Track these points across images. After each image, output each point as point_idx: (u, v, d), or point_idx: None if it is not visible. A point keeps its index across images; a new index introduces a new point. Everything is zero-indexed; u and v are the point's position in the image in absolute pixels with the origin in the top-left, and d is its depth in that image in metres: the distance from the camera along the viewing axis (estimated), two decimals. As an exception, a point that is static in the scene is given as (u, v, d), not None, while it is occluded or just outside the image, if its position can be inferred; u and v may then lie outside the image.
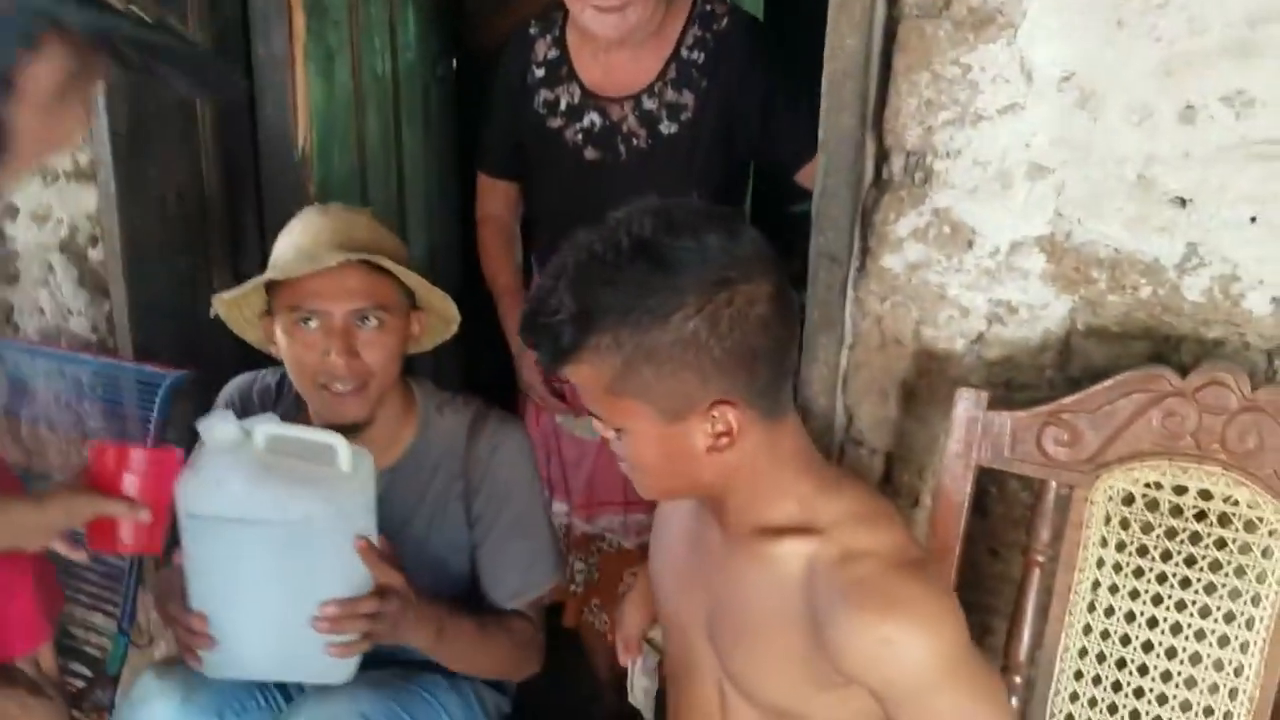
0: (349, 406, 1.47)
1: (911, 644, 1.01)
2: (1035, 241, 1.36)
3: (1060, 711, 1.31)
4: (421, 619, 1.41)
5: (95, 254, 2.11)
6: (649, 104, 1.91)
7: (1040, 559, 1.31)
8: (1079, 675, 1.30)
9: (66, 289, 2.17)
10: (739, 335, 1.02)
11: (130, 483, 1.34)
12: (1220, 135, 1.24)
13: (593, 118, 1.93)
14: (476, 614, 1.53)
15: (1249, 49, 1.20)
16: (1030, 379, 1.41)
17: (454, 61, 2.94)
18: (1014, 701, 1.35)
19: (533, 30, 2.00)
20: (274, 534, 1.31)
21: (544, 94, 1.96)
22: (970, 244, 1.39)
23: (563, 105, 1.95)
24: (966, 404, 1.30)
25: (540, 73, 1.96)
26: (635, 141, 1.92)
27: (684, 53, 1.88)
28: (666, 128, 1.91)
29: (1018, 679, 1.34)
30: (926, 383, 1.47)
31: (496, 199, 2.14)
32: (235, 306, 1.53)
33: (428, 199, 2.72)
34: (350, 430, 1.45)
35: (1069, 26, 1.28)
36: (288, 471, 1.34)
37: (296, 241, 1.49)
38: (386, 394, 1.51)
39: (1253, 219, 1.25)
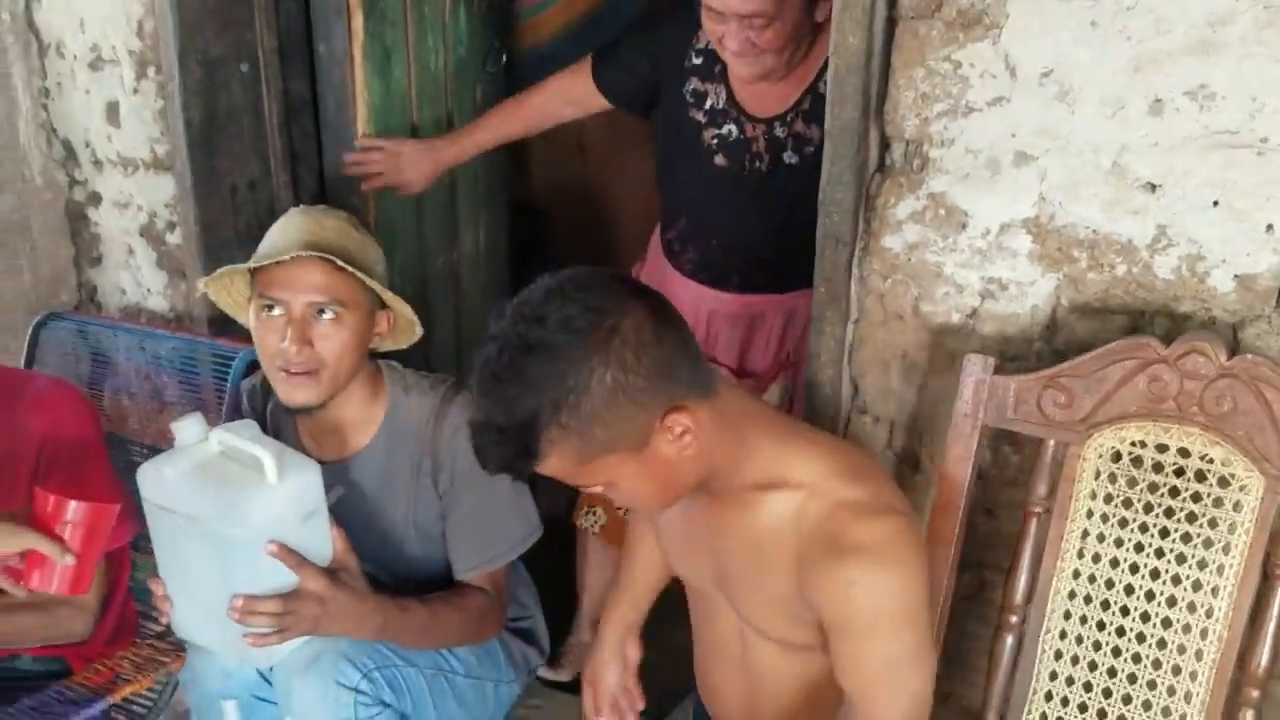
0: (300, 391, 1.60)
1: (870, 586, 1.17)
2: (1022, 223, 1.48)
3: (1050, 648, 1.44)
4: (357, 615, 1.52)
5: (173, 238, 2.29)
6: (779, 131, 2.00)
7: (1037, 510, 1.44)
8: (1068, 615, 1.43)
9: (146, 271, 2.36)
10: (646, 358, 1.13)
11: (66, 530, 1.48)
12: (1185, 126, 1.36)
13: (731, 127, 2.02)
14: (427, 599, 1.63)
15: (1210, 47, 1.32)
16: (1020, 350, 1.53)
17: (504, 58, 3.09)
18: (1010, 639, 1.48)
19: (693, 15, 2.03)
20: (193, 527, 1.47)
21: (695, 83, 2.03)
22: (963, 226, 1.52)
23: (709, 104, 2.03)
24: (974, 368, 1.44)
25: (698, 60, 2.03)
26: (759, 163, 2.02)
27: (821, 87, 1.84)
28: (789, 157, 2.00)
29: (1014, 619, 1.47)
30: (926, 355, 1.60)
31: (583, 88, 2.18)
32: (225, 290, 1.70)
33: (477, 193, 2.88)
34: (310, 412, 1.62)
35: (1047, 27, 1.40)
36: (221, 475, 1.47)
37: (273, 237, 1.64)
38: (351, 381, 1.64)
39: (1215, 203, 1.36)
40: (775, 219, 2.01)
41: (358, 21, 2.40)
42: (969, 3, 1.43)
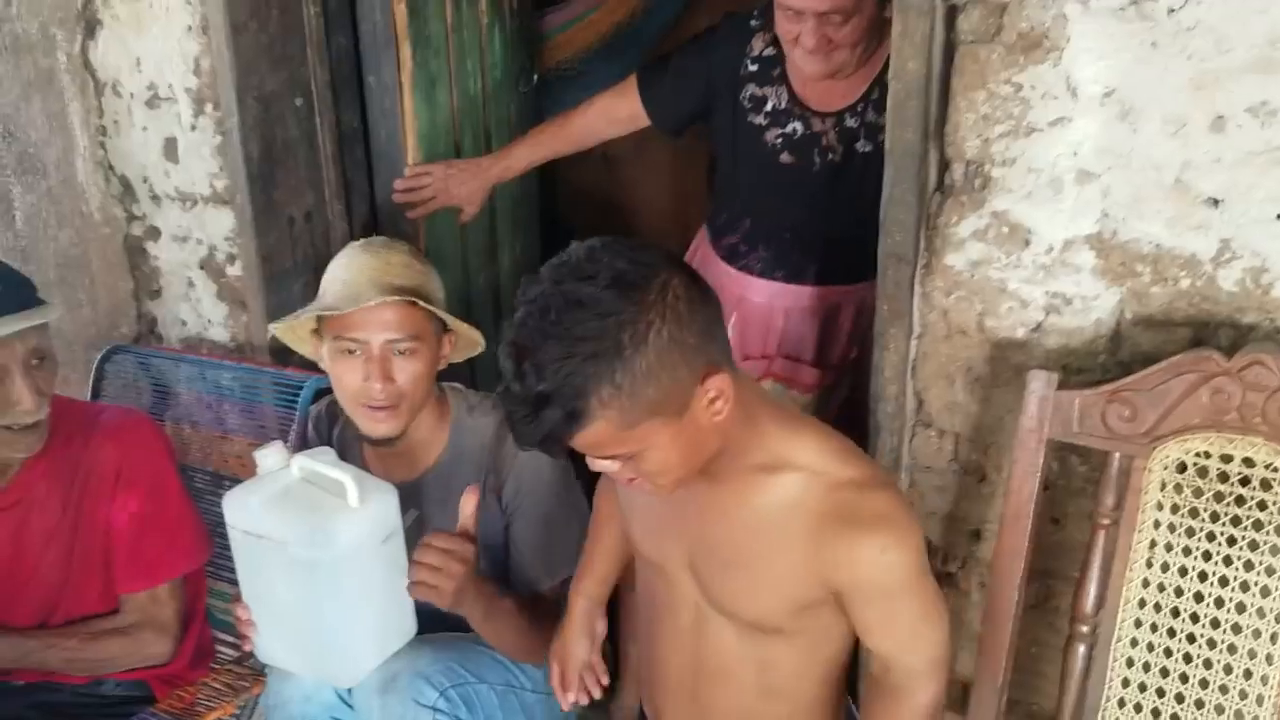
0: (384, 423, 1.67)
1: (900, 549, 1.24)
2: (1085, 240, 1.51)
3: (1122, 656, 1.47)
4: (478, 593, 1.58)
5: (233, 270, 2.34)
6: (850, 122, 2.03)
7: (1105, 522, 1.48)
8: (1138, 623, 1.46)
9: (206, 302, 2.41)
10: (696, 315, 1.13)
11: None
12: (1247, 142, 1.39)
13: (795, 125, 2.05)
14: (516, 597, 1.69)
15: (1271, 65, 1.35)
16: (1085, 363, 1.57)
17: (534, 77, 3.15)
18: (1081, 648, 1.51)
19: (754, 22, 2.08)
20: (279, 552, 1.51)
21: (752, 89, 2.06)
22: (1027, 242, 1.55)
23: (769, 106, 2.05)
24: (1038, 384, 1.47)
25: (753, 68, 2.06)
26: (831, 156, 2.04)
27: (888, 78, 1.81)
28: (863, 146, 2.02)
29: (1084, 629, 1.50)
30: (991, 369, 1.63)
31: (627, 109, 2.22)
32: (289, 327, 1.76)
33: (514, 209, 2.93)
34: (391, 442, 1.68)
35: (1109, 48, 1.43)
36: (304, 500, 1.52)
37: (342, 277, 1.70)
38: (421, 407, 1.71)
39: (1278, 216, 1.39)
40: (852, 205, 1.93)
41: (405, 52, 2.45)
42: (1029, 26, 1.47)
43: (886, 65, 1.73)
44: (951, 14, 1.53)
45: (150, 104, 2.31)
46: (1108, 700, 1.48)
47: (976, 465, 1.69)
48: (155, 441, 1.94)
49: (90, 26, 2.32)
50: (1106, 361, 1.55)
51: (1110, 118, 1.46)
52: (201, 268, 2.39)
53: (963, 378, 1.66)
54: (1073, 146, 1.49)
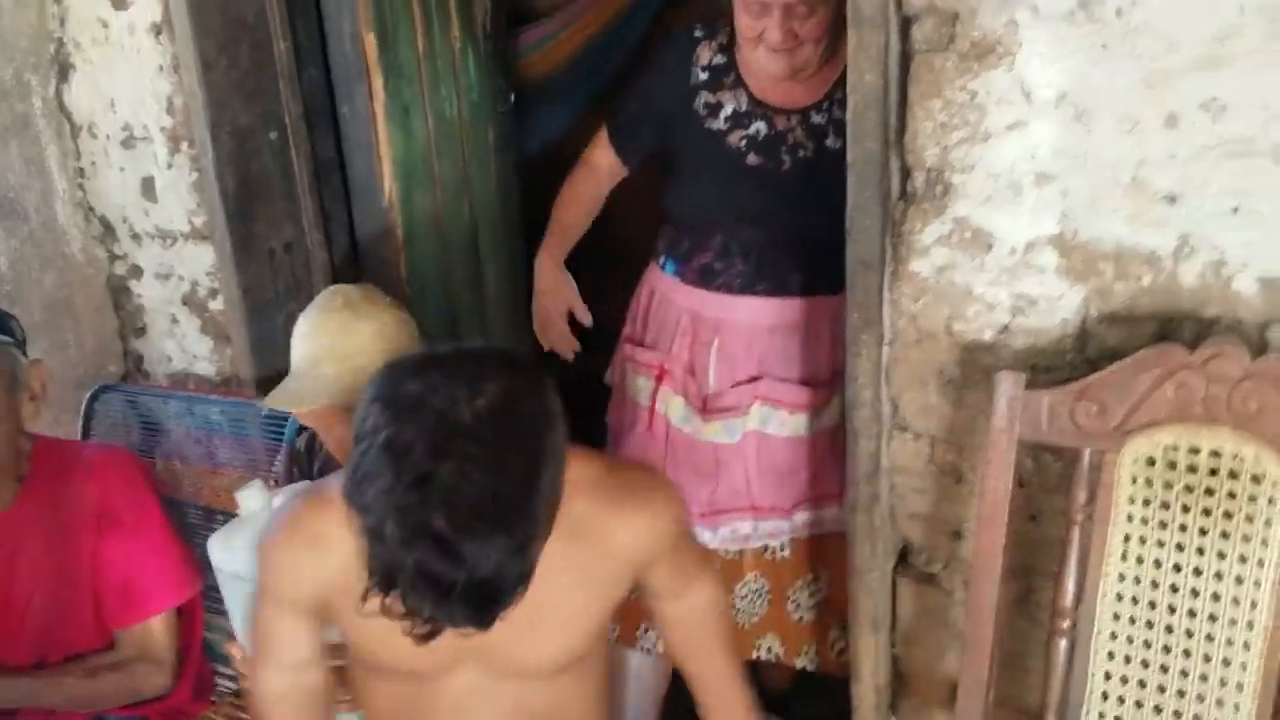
0: None
1: (677, 500, 1.44)
2: (1047, 241, 1.54)
3: (1103, 649, 1.49)
4: None
5: (215, 304, 2.36)
6: (817, 119, 1.98)
7: (1079, 518, 1.49)
8: (1116, 616, 1.47)
9: (191, 338, 2.43)
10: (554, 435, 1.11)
11: None
12: (1200, 137, 1.41)
13: (759, 125, 1.98)
14: None
15: (1218, 61, 1.37)
16: (1053, 362, 1.58)
17: (511, 97, 3.17)
18: (1063, 643, 1.53)
19: (697, 34, 2.05)
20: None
21: (706, 96, 2.01)
22: (990, 246, 1.57)
23: (727, 110, 1.99)
24: (1007, 385, 1.49)
25: (704, 76, 2.01)
26: (802, 153, 1.98)
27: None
28: (833, 142, 1.94)
29: (1065, 623, 1.52)
30: (961, 371, 1.65)
31: (604, 159, 2.20)
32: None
33: (496, 227, 2.96)
34: None
35: (1060, 52, 1.45)
36: None
37: (293, 357, 1.76)
38: None
39: (1235, 209, 1.41)
40: (830, 204, 1.74)
41: (378, 82, 2.49)
42: (981, 34, 1.49)
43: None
44: (906, 25, 1.55)
45: (126, 144, 2.33)
46: (1091, 693, 1.50)
47: (953, 466, 1.71)
48: (136, 476, 1.96)
49: (64, 70, 2.35)
50: (1074, 359, 1.57)
51: (1065, 119, 1.48)
52: (184, 303, 2.41)
53: (935, 381, 1.68)
54: (1030, 150, 1.51)
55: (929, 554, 1.79)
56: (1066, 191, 1.51)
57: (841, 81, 1.84)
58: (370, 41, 2.44)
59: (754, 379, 2.05)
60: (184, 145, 2.26)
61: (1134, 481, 1.44)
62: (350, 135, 2.49)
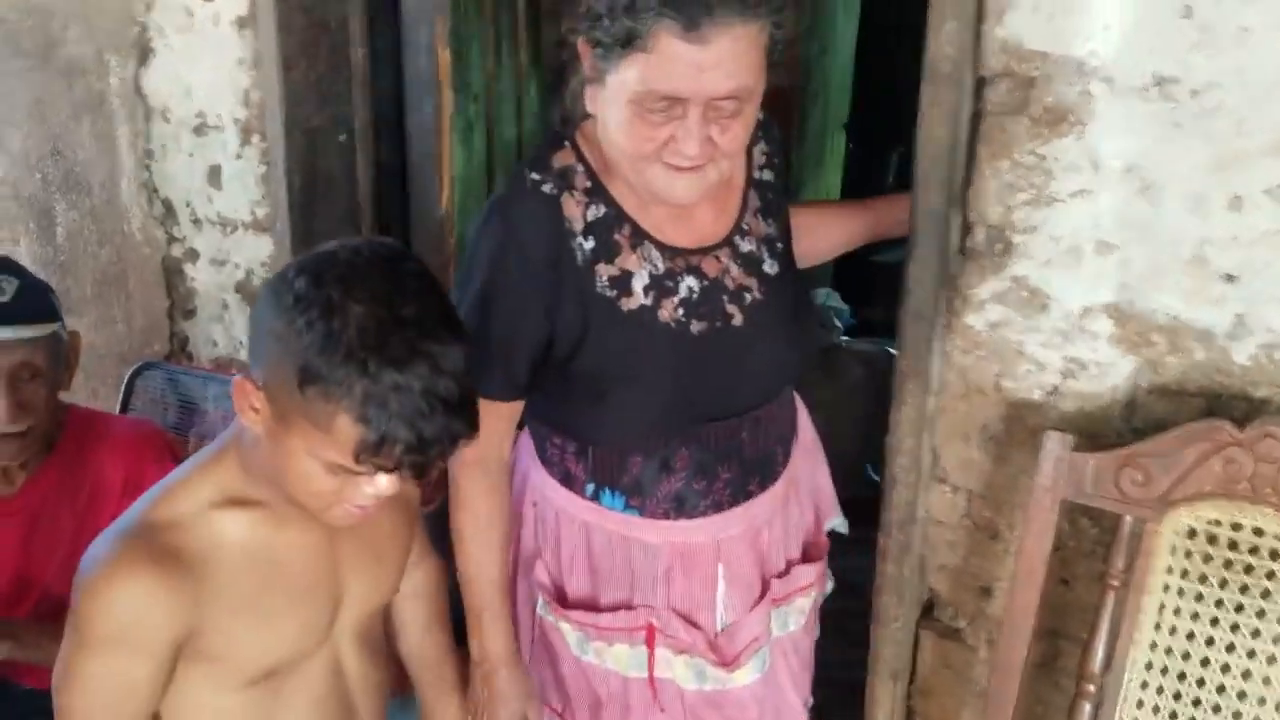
0: None
1: None
2: (1103, 308, 1.56)
3: (1128, 716, 1.49)
4: None
5: (266, 296, 2.40)
6: (745, 245, 1.50)
7: (1115, 584, 1.51)
8: (1144, 685, 1.48)
9: (239, 324, 2.47)
10: None
11: None
12: (1264, 221, 1.44)
13: (688, 282, 1.45)
14: None
15: (1289, 149, 1.40)
16: (1099, 428, 1.60)
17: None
18: (1087, 707, 1.54)
19: (546, 188, 1.40)
20: None
21: (605, 270, 1.42)
22: (1046, 307, 1.60)
23: (643, 279, 1.43)
24: (1054, 445, 1.51)
25: (589, 243, 1.42)
26: (749, 296, 1.49)
27: (757, 174, 1.54)
28: (771, 267, 1.52)
29: (1091, 688, 1.52)
30: (1006, 428, 1.67)
31: (495, 428, 1.44)
32: None
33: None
34: None
35: (1132, 126, 1.48)
36: None
37: None
38: None
39: (1293, 294, 1.44)
40: (791, 339, 1.55)
41: (447, 96, 2.54)
42: (1055, 101, 1.53)
43: (751, 161, 1.52)
44: (979, 86, 1.59)
45: (198, 131, 2.38)
46: (1112, 760, 1.50)
47: (989, 522, 1.73)
48: (164, 453, 1.98)
49: (144, 54, 2.41)
50: (1121, 428, 1.59)
51: (1131, 192, 1.51)
52: (237, 291, 2.45)
53: (978, 435, 1.70)
54: (1094, 218, 1.54)
55: (955, 608, 1.80)
56: (1127, 261, 1.53)
57: (754, 182, 1.53)
58: (445, 57, 2.48)
59: (765, 588, 1.60)
60: (255, 138, 2.31)
61: (1174, 552, 1.46)
62: (415, 147, 2.53)
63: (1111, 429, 1.60)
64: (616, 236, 1.43)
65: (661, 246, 1.45)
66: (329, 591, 1.33)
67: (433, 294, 1.15)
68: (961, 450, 1.72)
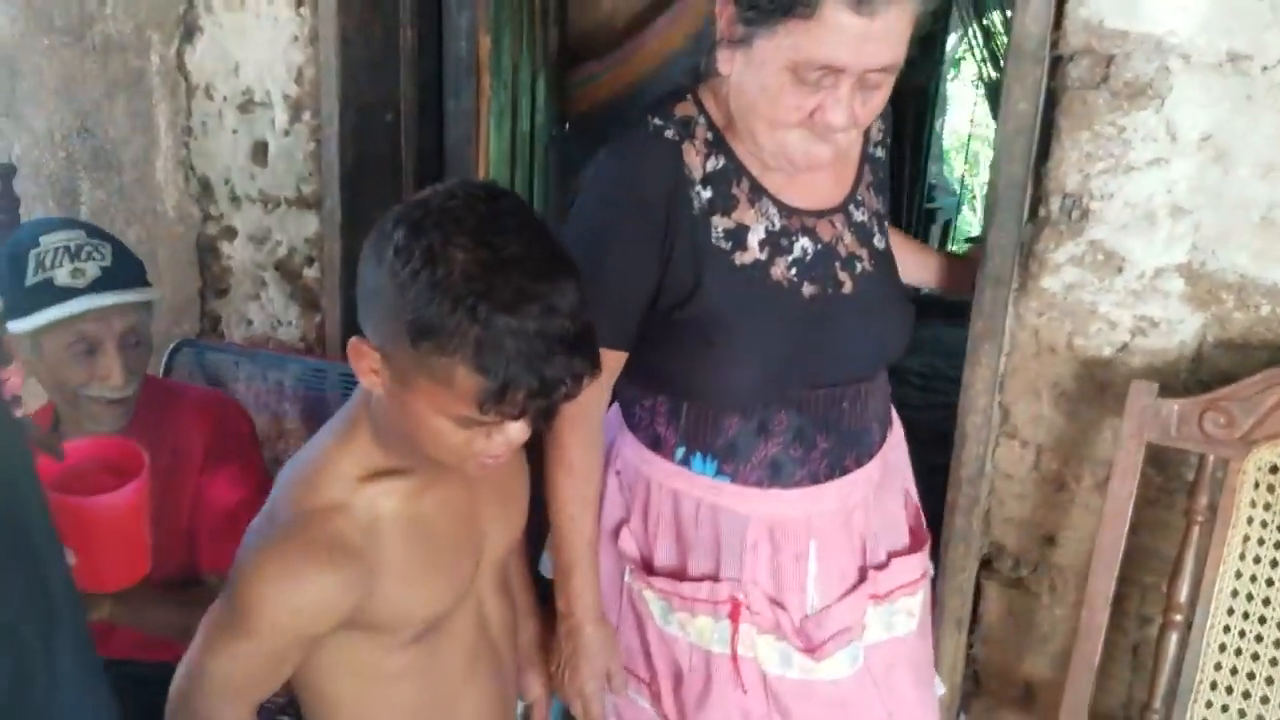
0: None
1: None
2: (1175, 269, 1.69)
3: (1214, 642, 1.61)
4: None
5: (310, 272, 2.41)
6: (858, 215, 1.49)
7: (1200, 519, 1.62)
8: (1230, 611, 1.60)
9: (278, 302, 2.47)
10: None
11: (68, 525, 1.31)
12: (1332, 186, 1.58)
13: (803, 243, 1.43)
14: None
15: (1356, 119, 1.55)
16: (1167, 381, 1.72)
17: (566, 125, 3.30)
18: (1174, 636, 1.65)
19: (669, 133, 1.39)
20: None
21: (721, 222, 1.40)
22: (1120, 269, 1.72)
23: (759, 233, 1.41)
24: (1140, 393, 1.63)
25: (707, 193, 1.39)
26: (859, 265, 1.46)
27: (872, 149, 1.54)
28: (879, 241, 1.51)
29: (1178, 617, 1.64)
30: (1077, 385, 1.79)
31: (599, 380, 1.28)
32: None
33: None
34: None
35: (1208, 99, 1.62)
36: None
37: None
38: None
39: (1356, 251, 1.59)
40: (897, 315, 1.51)
41: (485, 80, 2.60)
42: (1134, 76, 1.66)
43: (867, 136, 1.51)
44: (1056, 63, 1.71)
45: (244, 108, 2.39)
46: (1200, 684, 1.61)
47: (1056, 474, 1.84)
48: (244, 423, 1.99)
49: (189, 31, 2.41)
50: (1187, 380, 1.72)
51: (1205, 160, 1.64)
52: (276, 269, 2.45)
53: (1049, 392, 1.81)
54: (1168, 184, 1.67)
55: (1019, 557, 1.91)
56: (1199, 225, 1.67)
57: (867, 158, 1.53)
58: (485, 43, 2.55)
59: (861, 578, 1.52)
60: (305, 115, 2.33)
61: (1256, 487, 1.58)
62: (453, 129, 2.58)
63: (1179, 382, 1.73)
64: (734, 190, 1.41)
65: (779, 204, 1.42)
66: (473, 542, 1.34)
67: (535, 231, 1.10)
68: (1032, 406, 1.83)
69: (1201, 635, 1.61)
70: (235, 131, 2.41)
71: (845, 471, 1.48)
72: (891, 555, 1.55)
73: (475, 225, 1.06)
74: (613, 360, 1.42)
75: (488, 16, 2.54)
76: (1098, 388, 1.77)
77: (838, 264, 1.45)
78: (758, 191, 1.42)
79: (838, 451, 1.47)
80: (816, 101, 1.27)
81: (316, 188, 2.35)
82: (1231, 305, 1.68)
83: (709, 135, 1.40)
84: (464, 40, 2.53)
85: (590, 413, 1.45)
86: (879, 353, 1.51)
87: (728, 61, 1.33)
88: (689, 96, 1.42)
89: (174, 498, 1.89)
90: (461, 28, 2.52)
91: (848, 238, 1.46)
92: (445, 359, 1.05)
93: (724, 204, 1.40)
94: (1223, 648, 1.61)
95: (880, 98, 1.31)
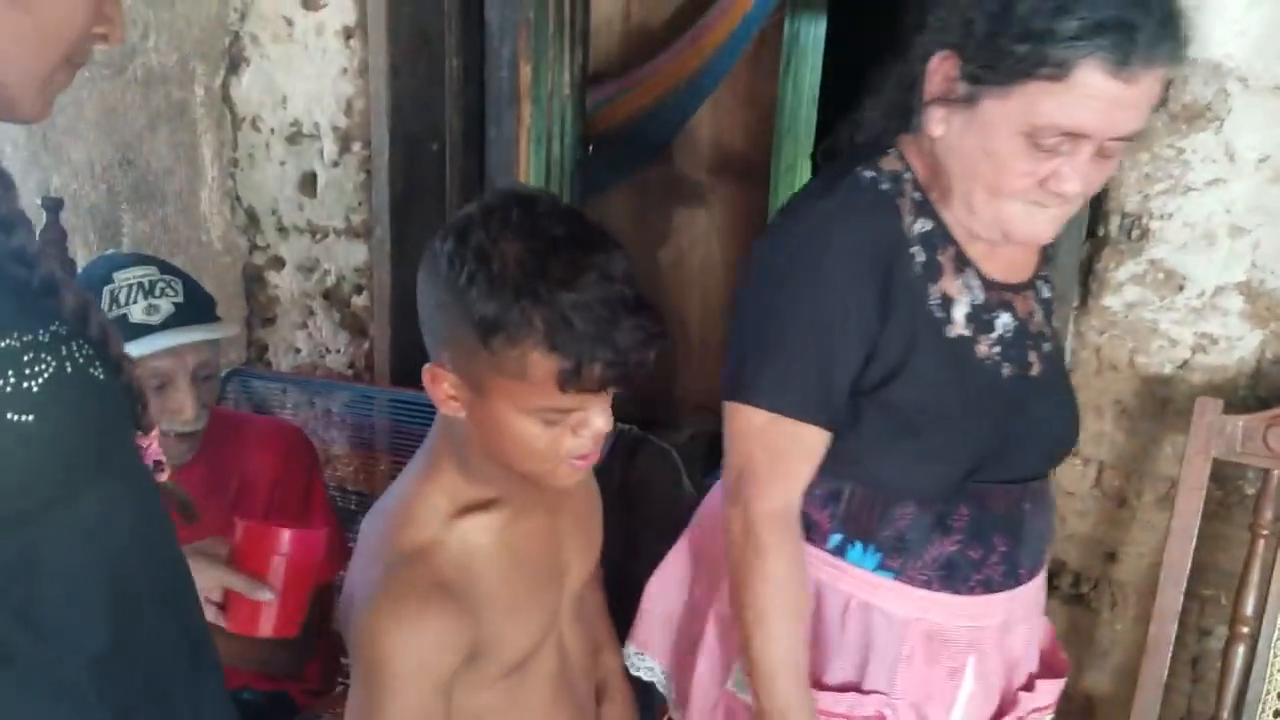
0: None
1: None
2: (1235, 287, 1.73)
3: (1280, 656, 1.64)
4: None
5: (359, 300, 2.43)
6: (1045, 292, 1.38)
7: (1265, 533, 1.65)
8: (1296, 624, 1.63)
9: (326, 330, 2.49)
10: None
11: (274, 563, 1.31)
12: (1389, 204, 1.63)
13: (1003, 318, 1.30)
14: None
15: None
16: (1226, 397, 1.76)
17: (589, 148, 3.33)
18: (1241, 649, 1.68)
19: (884, 186, 1.26)
20: None
21: (933, 289, 1.26)
22: (1181, 288, 1.76)
23: (964, 306, 1.27)
24: (1206, 409, 1.66)
25: (921, 256, 1.25)
26: (1045, 344, 1.34)
27: None
28: (1055, 320, 1.41)
29: (1244, 630, 1.67)
30: (1138, 402, 1.82)
31: (800, 468, 1.27)
32: None
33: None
34: None
35: (1265, 121, 1.66)
36: None
37: None
38: None
39: None
40: (1073, 403, 1.41)
41: (526, 108, 2.62)
42: (1192, 99, 1.70)
43: None
44: (1111, 88, 1.75)
45: (291, 140, 2.41)
46: (1267, 694, 1.64)
47: (1118, 491, 1.87)
48: (309, 455, 2.01)
49: (235, 63, 2.43)
50: (1246, 396, 1.76)
51: (1264, 180, 1.68)
52: (325, 297, 2.47)
53: (1111, 409, 1.84)
54: (1227, 204, 1.71)
55: (1079, 575, 1.94)
56: (1258, 244, 1.70)
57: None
58: (526, 71, 2.57)
59: (1005, 703, 1.38)
60: (355, 145, 2.35)
61: (1323, 500, 1.62)
62: (495, 156, 2.60)
63: (1239, 398, 1.76)
64: (940, 257, 1.27)
65: (981, 276, 1.29)
66: (559, 572, 1.32)
67: (574, 215, 1.11)
68: (1094, 424, 1.86)
69: (1269, 646, 1.64)
70: (283, 163, 2.43)
71: (1018, 581, 1.32)
72: (1033, 677, 1.42)
73: (518, 219, 1.06)
74: (819, 442, 1.26)
75: (528, 46, 2.56)
76: (1159, 404, 1.80)
77: (1029, 342, 1.32)
78: (962, 261, 1.28)
79: (1014, 557, 1.31)
80: (1051, 168, 1.15)
81: (366, 217, 2.37)
82: (1291, 322, 1.72)
83: (916, 195, 1.27)
84: (505, 70, 2.56)
85: (794, 512, 1.28)
86: (1060, 443, 1.39)
87: (943, 121, 1.20)
88: (892, 151, 1.29)
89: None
90: (504, 57, 2.55)
91: (1038, 315, 1.35)
92: (516, 350, 1.04)
93: (934, 268, 1.26)
94: (1293, 660, 1.64)
95: (1113, 167, 1.20)
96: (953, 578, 1.28)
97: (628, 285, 1.06)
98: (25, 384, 0.71)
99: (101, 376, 0.79)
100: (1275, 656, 1.64)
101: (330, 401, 2.41)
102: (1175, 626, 1.70)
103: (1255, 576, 1.67)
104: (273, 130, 2.43)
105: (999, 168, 1.17)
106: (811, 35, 4.40)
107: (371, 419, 2.39)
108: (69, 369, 0.75)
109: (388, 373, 2.40)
